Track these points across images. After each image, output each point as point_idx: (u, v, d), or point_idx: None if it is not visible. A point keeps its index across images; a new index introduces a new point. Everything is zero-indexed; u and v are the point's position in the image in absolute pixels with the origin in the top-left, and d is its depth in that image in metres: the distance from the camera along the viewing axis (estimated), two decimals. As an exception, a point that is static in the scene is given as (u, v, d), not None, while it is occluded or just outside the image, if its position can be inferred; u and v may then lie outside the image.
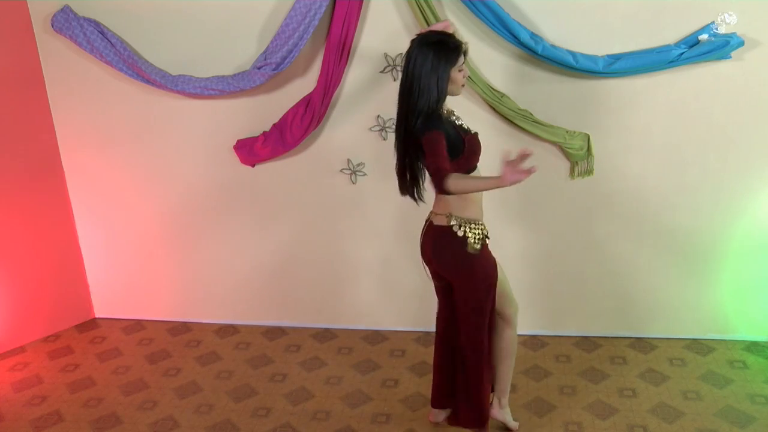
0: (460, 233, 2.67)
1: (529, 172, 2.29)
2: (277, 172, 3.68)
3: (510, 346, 2.95)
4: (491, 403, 3.02)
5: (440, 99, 2.61)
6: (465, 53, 2.63)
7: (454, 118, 2.72)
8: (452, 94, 2.67)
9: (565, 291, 3.71)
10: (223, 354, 3.76)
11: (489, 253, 2.75)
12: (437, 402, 3.07)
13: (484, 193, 2.70)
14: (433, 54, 2.55)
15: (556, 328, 3.78)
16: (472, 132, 2.71)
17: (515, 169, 2.30)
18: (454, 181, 2.42)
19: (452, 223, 2.68)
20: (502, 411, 3.04)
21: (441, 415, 3.10)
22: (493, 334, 2.92)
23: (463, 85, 2.67)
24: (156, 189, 3.81)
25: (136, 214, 3.88)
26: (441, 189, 2.45)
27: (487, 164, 3.52)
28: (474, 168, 2.70)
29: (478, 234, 2.69)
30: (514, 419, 3.10)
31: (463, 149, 2.62)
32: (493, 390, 3.02)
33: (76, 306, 4.08)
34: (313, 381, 3.49)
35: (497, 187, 2.38)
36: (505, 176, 2.31)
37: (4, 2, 3.48)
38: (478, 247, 2.68)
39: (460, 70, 2.61)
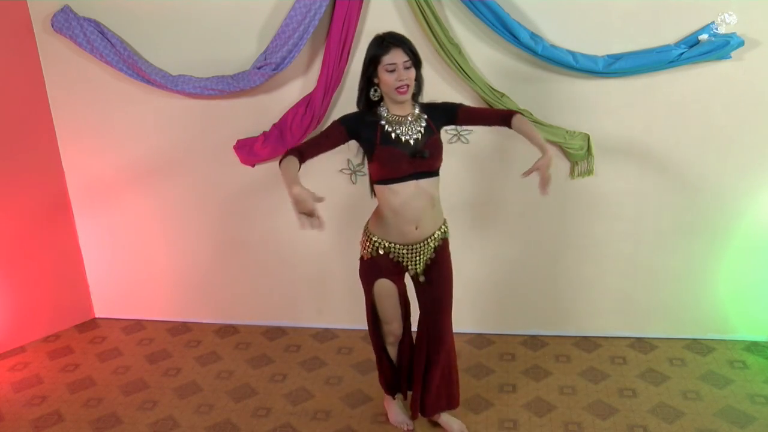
0: (362, 239, 2.81)
1: (312, 214, 2.30)
2: (277, 173, 3.64)
3: None
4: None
5: (360, 99, 2.59)
6: (408, 50, 2.45)
7: (391, 126, 2.55)
8: (392, 100, 2.53)
9: (565, 291, 3.70)
10: (223, 354, 3.76)
11: (373, 266, 2.78)
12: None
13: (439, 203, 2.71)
14: (366, 51, 2.54)
15: (556, 328, 3.78)
16: (408, 148, 2.54)
17: (305, 200, 2.25)
18: (285, 160, 2.44)
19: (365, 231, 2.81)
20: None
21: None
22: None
23: (399, 90, 2.45)
24: (156, 189, 3.81)
25: (136, 214, 3.88)
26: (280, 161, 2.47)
27: (488, 166, 3.53)
28: (389, 180, 2.59)
29: (370, 245, 2.76)
30: (513, 419, 3.11)
31: (371, 157, 2.60)
32: (410, 389, 3.06)
33: (76, 306, 4.08)
34: (313, 381, 3.49)
35: (287, 187, 2.30)
36: (291, 191, 2.27)
37: (4, 2, 3.48)
38: (363, 253, 2.81)
39: (390, 71, 2.44)
